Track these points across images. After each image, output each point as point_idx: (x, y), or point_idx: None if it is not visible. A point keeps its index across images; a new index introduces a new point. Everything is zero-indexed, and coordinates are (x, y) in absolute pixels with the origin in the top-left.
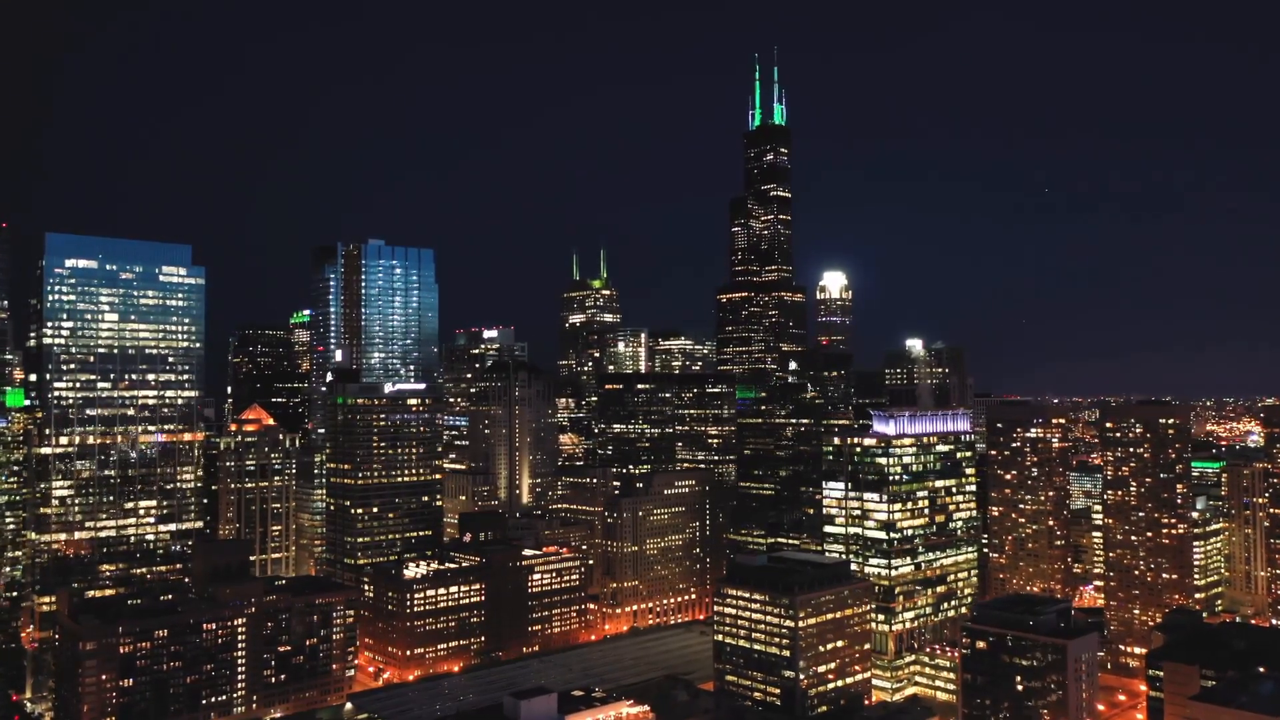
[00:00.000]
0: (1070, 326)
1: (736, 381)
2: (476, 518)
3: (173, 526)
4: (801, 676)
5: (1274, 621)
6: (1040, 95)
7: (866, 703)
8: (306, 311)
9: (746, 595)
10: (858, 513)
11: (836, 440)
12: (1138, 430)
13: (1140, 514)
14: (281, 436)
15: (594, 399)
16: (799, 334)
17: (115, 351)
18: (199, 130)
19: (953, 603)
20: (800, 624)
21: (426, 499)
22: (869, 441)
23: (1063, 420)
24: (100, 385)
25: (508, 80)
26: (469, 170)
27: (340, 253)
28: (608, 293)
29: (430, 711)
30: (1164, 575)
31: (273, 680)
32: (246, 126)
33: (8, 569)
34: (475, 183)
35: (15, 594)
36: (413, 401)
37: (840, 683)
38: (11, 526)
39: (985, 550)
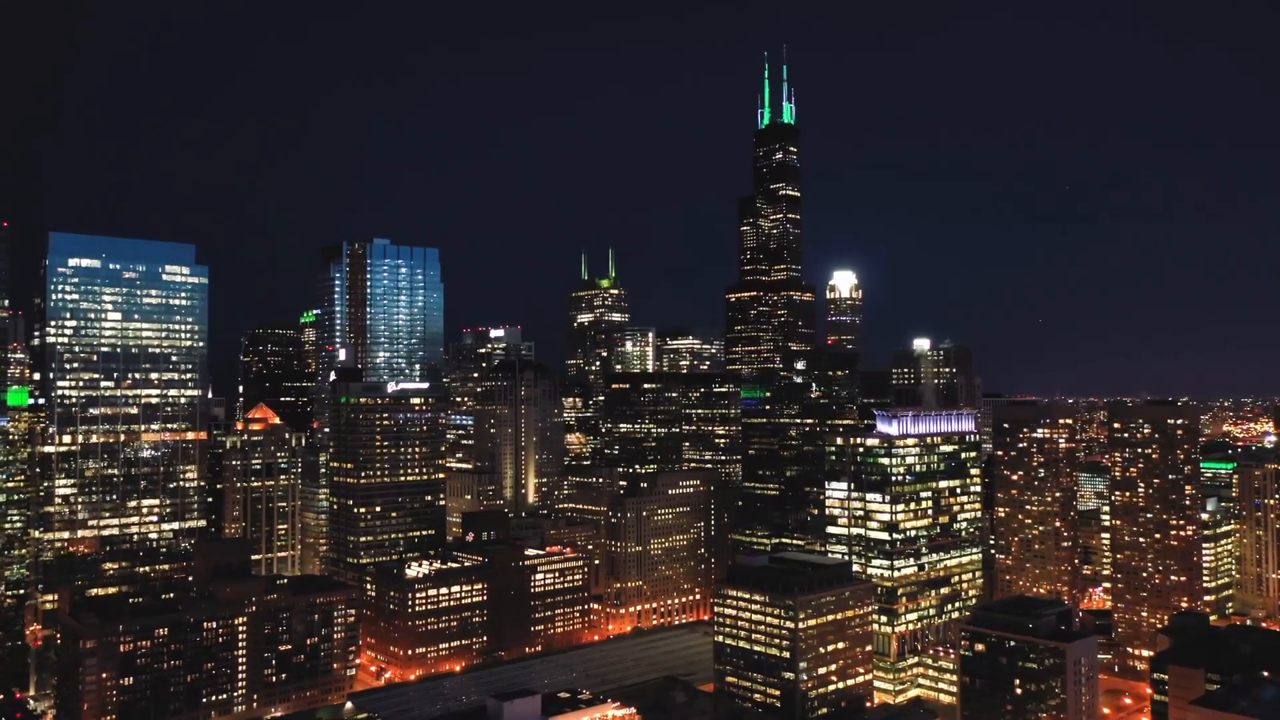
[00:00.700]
0: (1087, 327)
1: (744, 381)
2: (479, 517)
3: (176, 525)
4: (801, 678)
5: None
6: (1052, 97)
7: (868, 705)
8: (316, 311)
9: (747, 596)
10: (860, 513)
11: (839, 440)
12: (1146, 431)
13: (1148, 515)
14: (288, 436)
15: (601, 398)
16: (808, 333)
17: (119, 351)
18: (204, 129)
19: (957, 604)
20: (800, 625)
21: (429, 498)
22: (872, 442)
23: (1070, 420)
24: (104, 384)
25: (516, 79)
26: (478, 170)
27: (345, 252)
28: (616, 292)
29: (429, 712)
30: (1172, 577)
31: (273, 679)
32: (252, 126)
33: (16, 567)
34: (484, 182)
35: (21, 592)
36: (416, 401)
37: (841, 684)
38: (19, 525)
39: (992, 551)
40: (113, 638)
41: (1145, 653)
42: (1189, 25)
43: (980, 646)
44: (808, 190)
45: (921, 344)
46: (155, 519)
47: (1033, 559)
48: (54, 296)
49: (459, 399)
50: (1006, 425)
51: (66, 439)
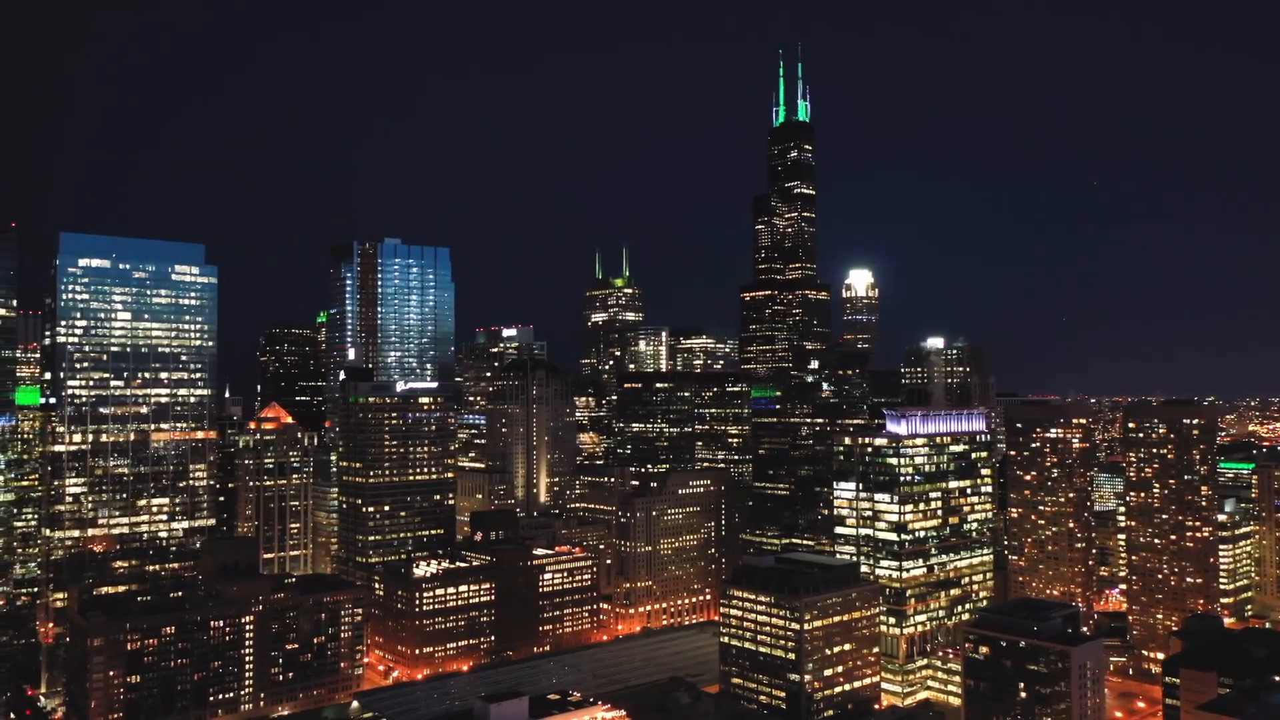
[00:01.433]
0: (1110, 327)
1: (756, 381)
2: (488, 516)
3: (186, 524)
4: (807, 680)
5: None
6: (1065, 100)
7: (876, 708)
8: (331, 310)
9: (752, 597)
10: (869, 514)
11: (847, 440)
12: (1161, 430)
13: (1163, 516)
14: (300, 435)
15: (614, 398)
16: (823, 332)
17: (128, 350)
18: (213, 129)
19: (967, 606)
20: (806, 626)
21: (438, 497)
22: (880, 441)
23: (1083, 420)
24: (114, 384)
25: (529, 79)
26: (491, 170)
27: (356, 252)
28: (630, 291)
29: (433, 711)
30: (1188, 579)
31: (280, 678)
32: (261, 125)
33: (28, 565)
34: (498, 182)
35: (35, 590)
36: (424, 400)
37: (847, 687)
38: (33, 523)
39: (1005, 553)
40: (120, 636)
41: (1160, 656)
42: (1201, 30)
43: (984, 649)
44: (823, 189)
45: (935, 343)
46: (165, 518)
47: (1046, 560)
48: (64, 296)
49: (472, 398)
50: (1019, 425)
51: (77, 438)
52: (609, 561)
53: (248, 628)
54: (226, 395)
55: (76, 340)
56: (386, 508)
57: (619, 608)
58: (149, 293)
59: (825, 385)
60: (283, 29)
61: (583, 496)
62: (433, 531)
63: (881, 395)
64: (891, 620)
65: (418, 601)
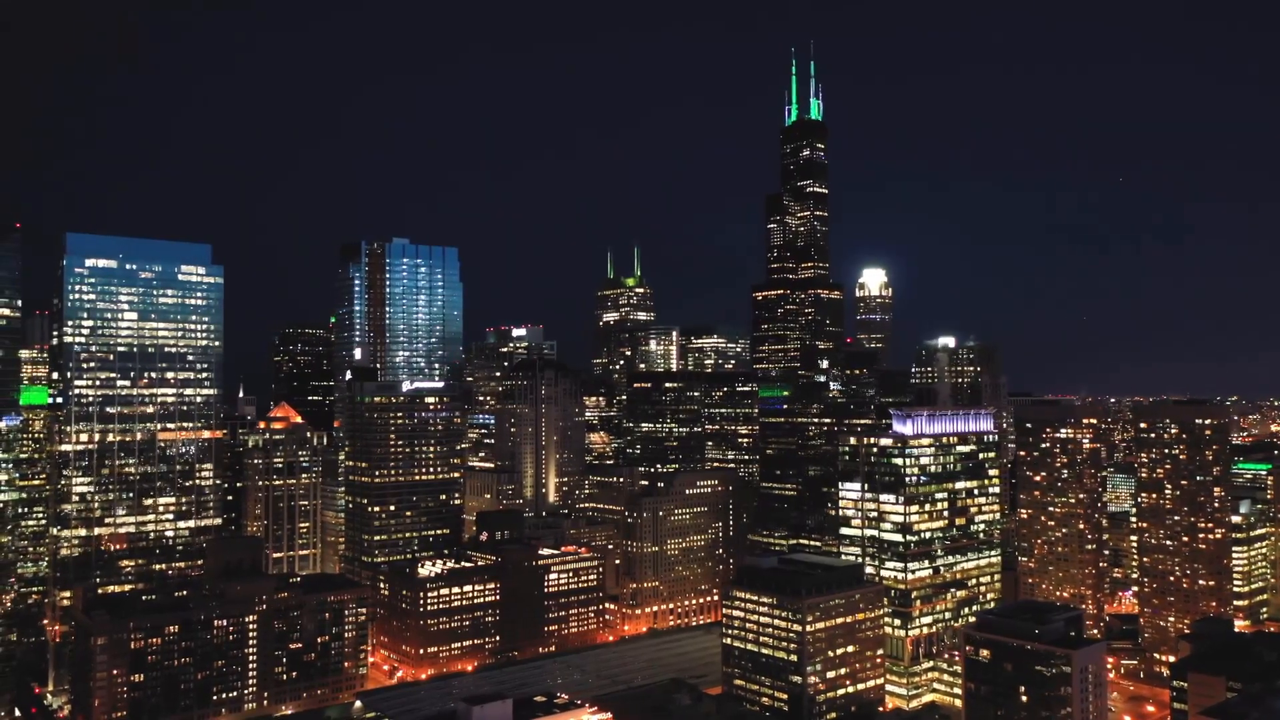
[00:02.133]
0: (1129, 328)
1: (763, 381)
2: (494, 516)
3: (192, 523)
4: (810, 682)
5: None
6: (1077, 112)
7: (881, 710)
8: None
9: (755, 598)
10: (874, 514)
11: (853, 440)
12: (1173, 431)
13: (1175, 518)
14: (309, 435)
15: (624, 398)
16: (835, 332)
17: (135, 350)
18: (220, 128)
19: (975, 608)
20: (808, 628)
21: (444, 497)
22: (885, 442)
23: (1094, 420)
24: (120, 383)
25: (536, 78)
26: (505, 170)
27: (364, 251)
28: (642, 291)
29: (431, 711)
30: (1200, 582)
31: (283, 677)
32: (269, 124)
33: (34, 564)
34: (511, 182)
35: (41, 589)
36: (430, 400)
37: (851, 689)
38: (43, 522)
39: (1015, 554)
40: (123, 635)
41: (1171, 659)
42: (1225, 50)
43: (985, 652)
44: (836, 189)
45: (946, 342)
46: (171, 517)
47: (1056, 562)
48: (71, 297)
49: (482, 398)
50: (1029, 425)
51: (84, 438)
52: (617, 562)
53: (251, 627)
54: (241, 395)
55: (83, 340)
56: (392, 507)
57: (625, 608)
58: (155, 293)
59: (833, 385)
60: (290, 27)
61: (592, 496)
62: (439, 531)
63: (891, 395)
64: (897, 622)
65: (422, 601)
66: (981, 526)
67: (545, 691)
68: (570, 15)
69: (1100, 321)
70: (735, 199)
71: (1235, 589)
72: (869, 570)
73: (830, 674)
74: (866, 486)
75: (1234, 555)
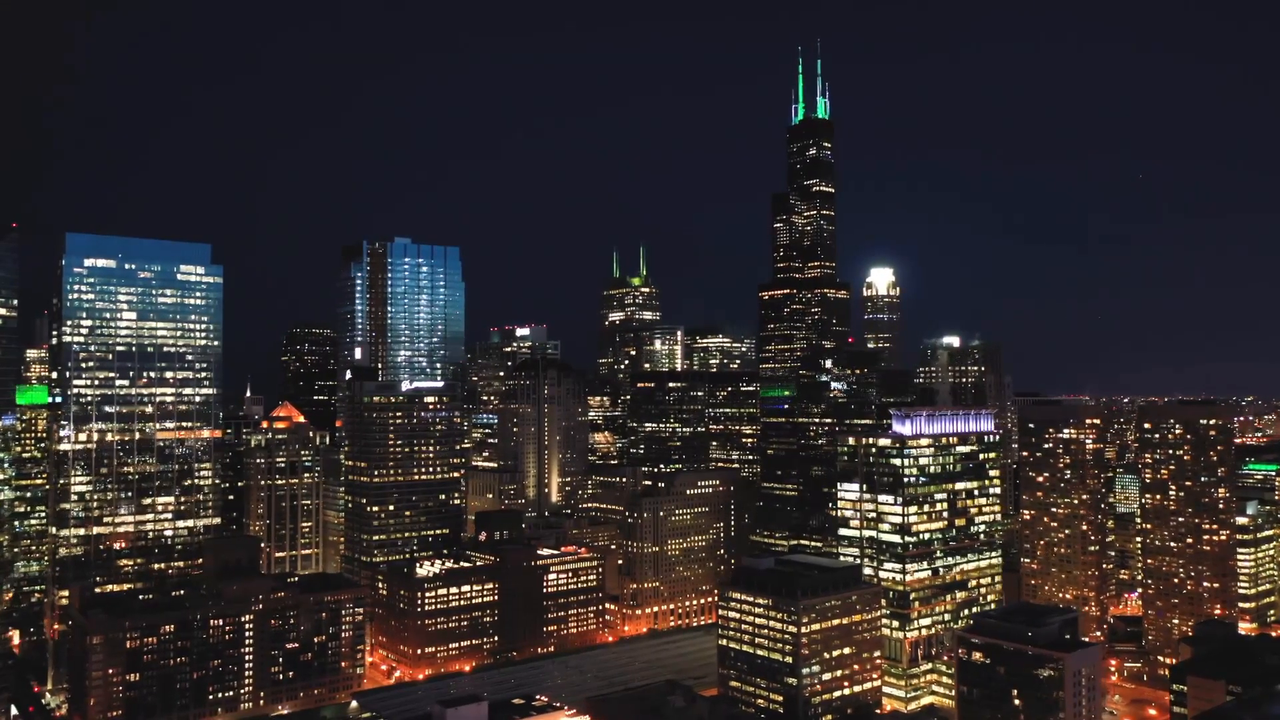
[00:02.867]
0: (1149, 330)
1: (765, 381)
2: (493, 516)
3: (191, 522)
4: (805, 683)
5: None
6: (1100, 107)
7: (878, 712)
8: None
9: (750, 599)
10: (873, 515)
11: (852, 441)
12: (1177, 431)
13: (1180, 519)
14: (312, 434)
15: (628, 397)
16: (842, 331)
17: (134, 349)
18: (221, 127)
19: (975, 609)
20: (804, 629)
21: (444, 497)
22: (884, 442)
23: (1097, 420)
24: (119, 383)
25: (542, 78)
26: (510, 169)
27: (366, 251)
28: (647, 290)
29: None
30: (1205, 584)
31: (280, 677)
32: (270, 122)
33: (32, 563)
34: (517, 182)
35: (41, 588)
36: (430, 400)
37: (847, 691)
38: (41, 522)
39: (1018, 555)
40: (119, 634)
41: (1173, 662)
42: (1224, 50)
43: (978, 655)
44: (843, 188)
45: (951, 341)
46: (170, 516)
47: (1059, 563)
48: (70, 296)
49: (486, 398)
50: (1031, 425)
51: (82, 437)
52: (619, 562)
53: (247, 626)
54: (248, 394)
55: (82, 340)
56: (391, 507)
57: (626, 609)
58: (154, 292)
59: (835, 385)
60: (291, 25)
61: (594, 496)
62: (438, 531)
63: (893, 395)
64: (895, 623)
65: (420, 601)
66: (982, 527)
67: (540, 692)
68: (574, 12)
69: (1115, 320)
70: (741, 198)
71: (1241, 590)
72: (867, 571)
73: (826, 676)
74: (865, 487)
75: (1240, 557)
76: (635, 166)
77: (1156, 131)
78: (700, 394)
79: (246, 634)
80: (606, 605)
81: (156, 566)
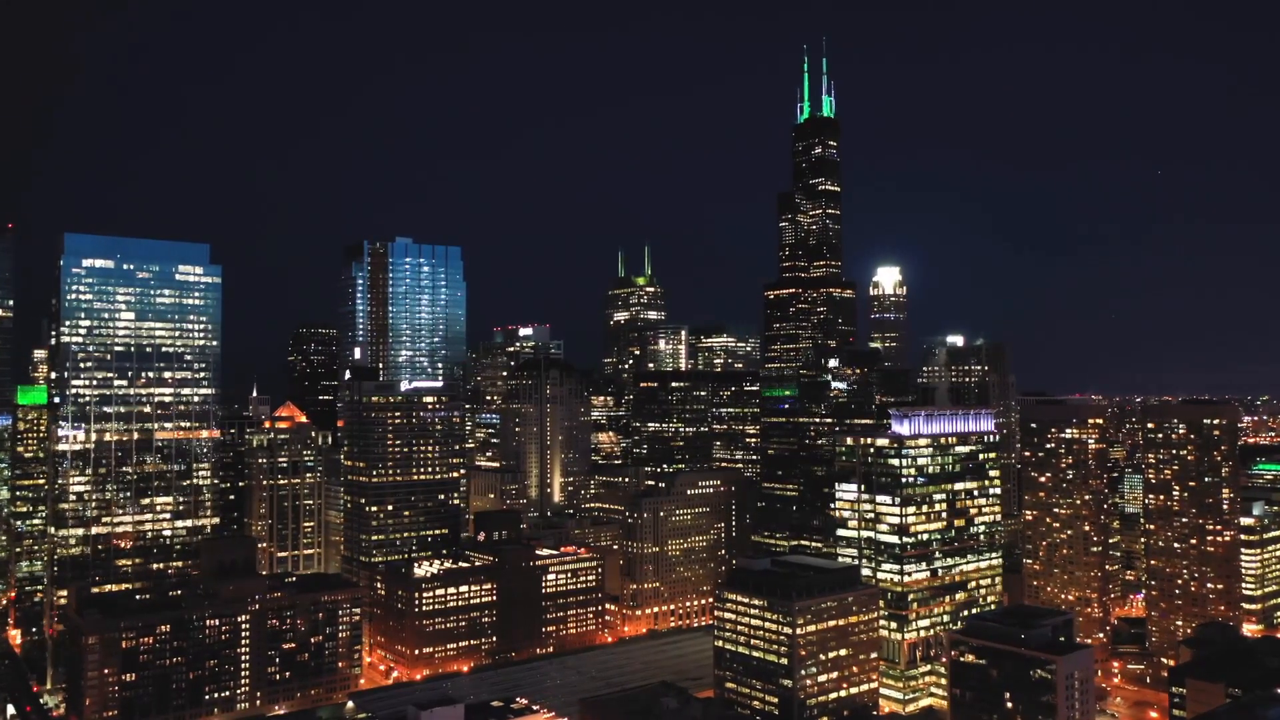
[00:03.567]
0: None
1: (768, 381)
2: (492, 516)
3: (189, 522)
4: (800, 685)
5: None
6: (1110, 108)
7: (876, 714)
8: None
9: (745, 600)
10: (871, 516)
11: (850, 441)
12: (1181, 431)
13: (1183, 520)
14: (314, 434)
15: (631, 397)
16: (848, 330)
17: (132, 350)
18: (221, 126)
19: (974, 611)
20: (800, 631)
21: (443, 497)
22: (882, 442)
23: (1100, 420)
24: (117, 383)
25: (545, 77)
26: (514, 169)
27: (367, 251)
28: (652, 290)
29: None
30: (1209, 585)
31: (276, 677)
32: (271, 122)
33: (31, 562)
34: (521, 181)
35: (40, 587)
36: (429, 400)
37: (843, 693)
38: (40, 522)
39: (1020, 556)
40: (115, 634)
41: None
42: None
43: (970, 657)
44: (848, 186)
45: (954, 341)
46: (168, 516)
47: (1062, 564)
48: (68, 296)
49: (489, 397)
50: (1033, 425)
51: (80, 437)
52: (621, 562)
53: (243, 627)
54: (254, 394)
55: (80, 340)
56: (390, 507)
57: (626, 609)
58: (153, 292)
59: (837, 385)
60: (292, 24)
61: (597, 496)
62: (437, 531)
63: (894, 395)
64: (893, 625)
65: (418, 601)
66: (981, 528)
67: (537, 693)
68: (576, 12)
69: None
70: (747, 197)
71: (1247, 591)
72: (865, 572)
73: (822, 677)
74: (863, 488)
75: (1245, 557)
76: (640, 166)
77: (1156, 132)
78: (704, 394)
79: (243, 634)
80: (606, 606)
81: (155, 566)
